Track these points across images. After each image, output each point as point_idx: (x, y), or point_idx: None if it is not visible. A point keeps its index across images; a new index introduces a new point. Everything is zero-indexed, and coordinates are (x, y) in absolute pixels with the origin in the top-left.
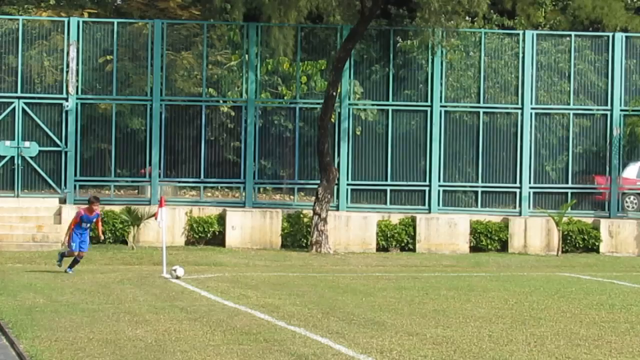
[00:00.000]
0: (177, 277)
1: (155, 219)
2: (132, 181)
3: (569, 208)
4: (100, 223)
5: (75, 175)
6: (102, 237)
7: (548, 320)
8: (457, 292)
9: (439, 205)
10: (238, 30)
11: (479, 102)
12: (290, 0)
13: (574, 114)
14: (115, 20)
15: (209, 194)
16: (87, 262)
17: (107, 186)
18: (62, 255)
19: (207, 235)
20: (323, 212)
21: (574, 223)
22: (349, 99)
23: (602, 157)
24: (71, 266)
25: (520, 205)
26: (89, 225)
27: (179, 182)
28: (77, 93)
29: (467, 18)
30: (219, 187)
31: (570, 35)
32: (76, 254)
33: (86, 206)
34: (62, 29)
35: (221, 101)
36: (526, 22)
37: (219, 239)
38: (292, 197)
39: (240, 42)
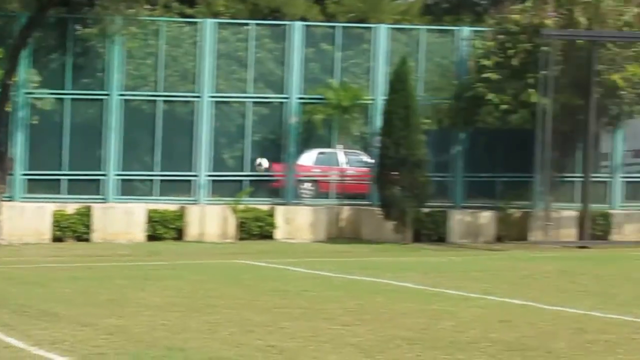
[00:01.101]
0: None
1: None
2: None
3: (247, 195)
4: None
5: None
6: None
7: (222, 308)
8: (132, 281)
9: (115, 194)
10: None
11: (157, 90)
12: None
13: (252, 102)
14: None
15: None
16: None
17: None
18: None
19: None
20: None
21: (251, 210)
22: (26, 88)
23: (279, 144)
24: None
25: (197, 194)
26: None
27: None
28: None
29: (146, 6)
30: None
31: (250, 24)
32: None
33: None
34: None
35: None
36: (207, 10)
37: None
38: None
39: None
